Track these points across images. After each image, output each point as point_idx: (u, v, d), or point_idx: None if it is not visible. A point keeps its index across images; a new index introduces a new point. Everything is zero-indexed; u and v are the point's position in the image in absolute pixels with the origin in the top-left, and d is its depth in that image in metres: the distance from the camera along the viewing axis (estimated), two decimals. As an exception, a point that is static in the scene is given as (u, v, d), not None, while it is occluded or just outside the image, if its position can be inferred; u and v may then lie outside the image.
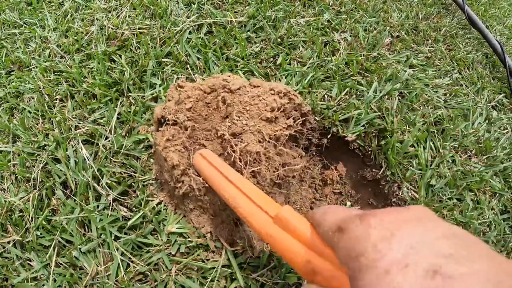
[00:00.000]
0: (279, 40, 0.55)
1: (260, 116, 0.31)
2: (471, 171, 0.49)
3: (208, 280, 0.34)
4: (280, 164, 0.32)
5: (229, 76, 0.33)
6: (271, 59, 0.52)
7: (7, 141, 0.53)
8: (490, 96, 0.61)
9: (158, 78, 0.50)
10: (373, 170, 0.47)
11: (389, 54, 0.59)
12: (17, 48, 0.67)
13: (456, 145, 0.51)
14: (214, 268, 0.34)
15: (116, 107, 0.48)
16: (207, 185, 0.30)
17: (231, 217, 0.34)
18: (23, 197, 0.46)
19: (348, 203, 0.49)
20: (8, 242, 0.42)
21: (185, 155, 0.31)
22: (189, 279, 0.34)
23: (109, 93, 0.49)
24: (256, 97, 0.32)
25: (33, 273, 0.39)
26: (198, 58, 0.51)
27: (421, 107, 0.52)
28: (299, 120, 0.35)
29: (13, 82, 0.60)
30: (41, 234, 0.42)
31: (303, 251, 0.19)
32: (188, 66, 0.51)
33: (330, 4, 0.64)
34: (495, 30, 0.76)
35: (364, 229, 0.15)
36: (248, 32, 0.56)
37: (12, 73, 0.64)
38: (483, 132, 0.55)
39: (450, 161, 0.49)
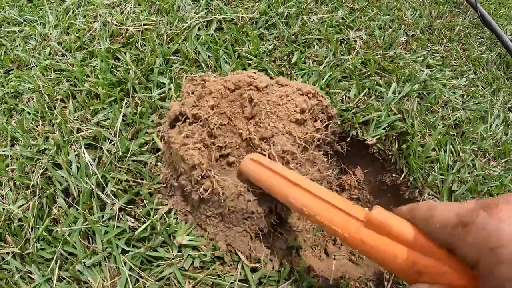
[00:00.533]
0: (293, 37, 0.51)
1: (290, 118, 0.28)
2: (491, 175, 0.46)
3: None
4: (310, 169, 0.29)
5: (254, 73, 0.30)
6: (285, 57, 0.49)
7: (5, 144, 0.49)
8: (506, 98, 0.59)
9: (166, 77, 0.46)
10: (393, 175, 0.44)
11: (406, 53, 0.56)
12: (17, 46, 0.63)
13: (475, 149, 0.49)
14: (230, 283, 0.31)
15: (121, 108, 0.44)
16: (233, 190, 0.27)
17: (253, 227, 0.30)
18: (22, 205, 0.42)
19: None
20: (7, 253, 0.39)
21: (205, 154, 0.27)
22: None
23: (114, 93, 0.46)
24: (285, 97, 0.28)
25: (34, 287, 0.35)
26: (209, 56, 0.48)
27: (440, 109, 0.49)
28: (326, 123, 0.31)
29: (11, 81, 0.56)
30: (41, 246, 0.38)
31: (405, 253, 0.18)
32: (198, 64, 0.47)
33: (343, 1, 0.60)
34: (506, 29, 0.74)
35: (495, 222, 0.15)
36: (260, 29, 0.52)
37: (10, 72, 0.59)
38: (501, 135, 0.52)
39: (471, 165, 0.46)
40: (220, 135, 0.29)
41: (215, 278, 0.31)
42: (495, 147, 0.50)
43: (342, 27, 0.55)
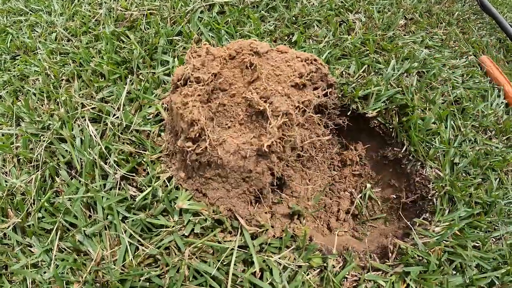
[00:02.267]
0: (293, 19, 0.54)
1: (289, 82, 0.30)
2: (493, 151, 0.48)
3: (225, 263, 0.32)
4: (308, 136, 0.31)
5: (255, 40, 0.32)
6: (286, 37, 0.52)
7: (10, 123, 0.51)
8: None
9: (169, 56, 0.49)
10: (395, 149, 0.45)
11: (404, 34, 0.58)
12: (23, 34, 0.66)
13: (476, 125, 0.50)
14: (231, 249, 0.32)
15: (125, 84, 0.46)
16: (231, 147, 0.28)
17: (252, 188, 0.32)
18: (25, 179, 0.43)
19: (368, 185, 0.48)
20: (8, 227, 0.40)
21: (204, 113, 0.29)
22: (204, 263, 0.32)
23: (118, 71, 0.48)
24: (284, 62, 0.31)
25: (33, 259, 0.37)
26: (211, 36, 0.51)
27: (440, 86, 0.51)
28: (326, 91, 0.33)
29: (18, 65, 0.59)
30: (43, 216, 0.39)
31: None
32: (200, 44, 0.50)
33: (342, -14, 0.64)
34: (505, 17, 0.76)
35: None
36: (262, 12, 0.55)
37: (17, 57, 0.63)
38: (502, 113, 0.54)
39: (473, 140, 0.47)
40: (221, 95, 0.30)
41: (216, 244, 0.32)
42: (496, 124, 0.51)
43: (341, 9, 0.58)
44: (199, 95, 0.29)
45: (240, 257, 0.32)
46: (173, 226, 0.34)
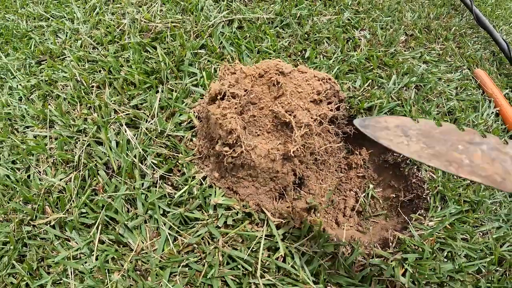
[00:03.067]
0: (305, 36, 0.65)
1: (309, 98, 0.40)
2: (481, 157, 0.58)
3: (254, 250, 0.41)
4: (323, 143, 0.41)
5: (279, 61, 0.42)
6: (299, 52, 0.62)
7: (41, 126, 0.60)
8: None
9: (196, 68, 0.58)
10: (394, 154, 0.56)
11: (405, 50, 0.69)
12: (46, 39, 0.75)
13: (467, 134, 0.61)
14: (259, 237, 0.41)
15: (157, 93, 0.56)
16: (261, 151, 0.38)
17: (278, 186, 0.42)
18: (63, 178, 0.51)
19: (371, 186, 0.58)
20: (46, 223, 0.47)
21: (239, 123, 0.39)
22: (235, 250, 0.41)
23: (149, 81, 0.58)
24: (305, 81, 0.41)
25: (74, 251, 0.43)
26: (232, 51, 0.60)
27: (435, 99, 0.62)
28: (337, 105, 0.44)
29: (45, 70, 0.68)
30: (86, 212, 0.46)
31: None
32: (223, 57, 0.60)
33: (349, 3, 0.75)
34: (501, 30, 0.88)
35: None
36: (277, 28, 0.65)
37: (42, 62, 0.71)
38: (492, 123, 0.65)
39: (463, 147, 0.58)
40: (252, 108, 0.40)
41: (245, 232, 0.42)
42: (486, 132, 0.62)
43: (348, 27, 0.69)
44: (235, 108, 0.39)
45: (265, 245, 0.42)
46: (207, 219, 0.43)
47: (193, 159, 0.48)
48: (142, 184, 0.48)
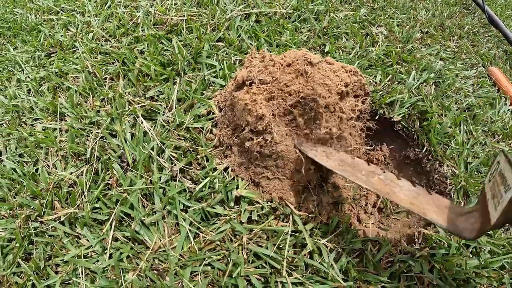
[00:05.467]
0: (324, 30, 0.64)
1: (336, 89, 0.39)
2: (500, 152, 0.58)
3: (280, 246, 0.39)
4: (351, 140, 0.39)
5: (307, 52, 0.41)
6: (318, 47, 0.61)
7: (51, 118, 0.57)
8: None
9: (214, 60, 0.57)
10: (416, 149, 0.55)
11: (421, 47, 0.69)
12: (56, 32, 0.73)
13: (485, 130, 0.60)
14: (285, 233, 0.39)
15: (174, 84, 0.54)
16: (289, 141, 0.36)
17: (304, 179, 0.40)
18: (74, 172, 0.48)
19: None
20: (55, 220, 0.43)
21: (269, 110, 0.37)
22: (260, 247, 0.38)
23: (166, 72, 0.56)
24: (332, 72, 0.39)
25: (85, 249, 0.40)
26: (251, 44, 0.59)
27: (454, 95, 0.61)
28: (364, 98, 0.42)
29: (55, 62, 0.65)
30: (99, 207, 0.43)
31: None
32: (241, 50, 0.58)
33: (365, 0, 0.74)
34: (511, 29, 0.89)
35: None
36: (295, 23, 0.64)
37: (52, 55, 0.69)
38: (508, 120, 0.64)
39: (483, 143, 0.57)
40: (280, 96, 0.39)
41: (273, 228, 0.39)
42: (503, 129, 0.62)
43: (365, 23, 0.68)
44: (264, 94, 0.37)
45: (291, 241, 0.40)
46: (230, 214, 0.41)
47: (213, 151, 0.46)
48: (160, 178, 0.45)
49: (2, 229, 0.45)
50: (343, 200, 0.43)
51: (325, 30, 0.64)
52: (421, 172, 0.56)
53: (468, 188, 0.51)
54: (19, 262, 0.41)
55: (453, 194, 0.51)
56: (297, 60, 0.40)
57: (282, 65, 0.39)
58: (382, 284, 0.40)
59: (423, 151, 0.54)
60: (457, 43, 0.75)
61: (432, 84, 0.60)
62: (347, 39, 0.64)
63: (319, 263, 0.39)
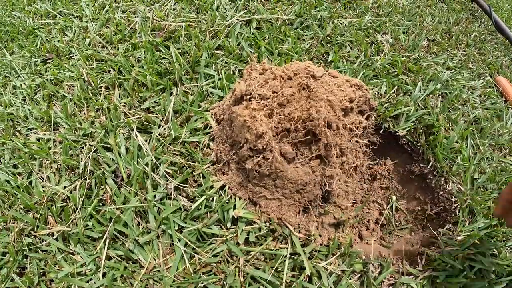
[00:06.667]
0: (327, 38, 0.61)
1: (340, 105, 0.36)
2: (507, 167, 0.55)
3: (278, 269, 0.37)
4: (356, 156, 0.37)
5: (310, 64, 0.38)
6: (321, 56, 0.58)
7: (45, 128, 0.55)
8: (519, 100, 0.69)
9: (212, 69, 0.54)
10: (421, 165, 0.52)
11: (428, 56, 0.66)
12: (52, 37, 0.71)
13: (492, 143, 0.58)
14: (283, 256, 0.37)
15: (171, 95, 0.51)
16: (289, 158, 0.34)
17: (303, 200, 0.38)
18: (67, 187, 0.46)
19: (394, 198, 0.54)
20: (48, 235, 0.41)
21: (269, 127, 0.35)
22: (257, 270, 0.36)
23: (162, 82, 0.53)
24: (336, 87, 0.37)
25: (79, 267, 0.38)
26: (252, 52, 0.56)
27: (461, 107, 0.58)
28: (369, 113, 0.40)
29: (51, 69, 0.63)
30: (92, 225, 0.41)
31: None
32: (241, 59, 0.56)
33: (369, 6, 0.71)
34: (518, 37, 0.85)
35: None
36: (297, 30, 0.61)
37: (48, 61, 0.67)
38: (516, 133, 0.61)
39: (490, 158, 0.55)
40: (281, 112, 0.36)
41: (270, 251, 0.37)
42: (510, 142, 0.59)
43: (370, 30, 0.65)
44: (264, 110, 0.35)
45: (290, 264, 0.38)
46: (227, 235, 0.39)
47: (210, 167, 0.44)
48: (154, 196, 0.43)
49: None
50: (344, 221, 0.41)
51: (329, 38, 0.61)
52: (425, 188, 0.53)
53: (474, 206, 0.48)
54: (13, 277, 0.39)
55: (458, 212, 0.48)
56: (299, 73, 0.37)
57: (283, 78, 0.37)
58: (384, 309, 0.38)
59: (428, 167, 0.52)
60: (464, 51, 0.72)
61: (439, 95, 0.58)
62: (351, 48, 0.61)
63: (317, 287, 0.37)
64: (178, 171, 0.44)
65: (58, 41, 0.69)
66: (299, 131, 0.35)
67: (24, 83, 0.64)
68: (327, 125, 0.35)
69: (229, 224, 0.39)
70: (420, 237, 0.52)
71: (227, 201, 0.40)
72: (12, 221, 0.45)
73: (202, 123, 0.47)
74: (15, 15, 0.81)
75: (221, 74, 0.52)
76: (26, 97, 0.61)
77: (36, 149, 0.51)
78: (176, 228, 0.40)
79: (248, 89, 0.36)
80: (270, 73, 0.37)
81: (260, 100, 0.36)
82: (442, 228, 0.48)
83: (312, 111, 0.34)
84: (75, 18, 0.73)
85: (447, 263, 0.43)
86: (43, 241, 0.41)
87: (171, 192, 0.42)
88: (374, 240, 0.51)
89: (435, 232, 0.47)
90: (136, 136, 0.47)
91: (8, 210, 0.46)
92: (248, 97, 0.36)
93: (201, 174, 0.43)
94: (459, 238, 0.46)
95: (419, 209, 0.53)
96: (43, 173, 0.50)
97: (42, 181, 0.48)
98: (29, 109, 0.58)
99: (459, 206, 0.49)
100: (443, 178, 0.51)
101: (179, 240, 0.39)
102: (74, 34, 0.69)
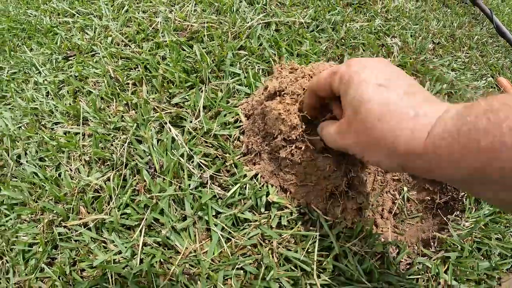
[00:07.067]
0: (342, 41, 0.67)
1: None
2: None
3: (309, 250, 0.42)
4: None
5: (333, 64, 0.44)
6: (337, 57, 0.64)
7: (71, 122, 0.59)
8: (517, 99, 0.77)
9: (237, 68, 0.60)
10: (430, 157, 0.59)
11: (434, 58, 0.73)
12: (72, 35, 0.75)
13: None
14: (313, 237, 0.42)
15: (200, 91, 0.56)
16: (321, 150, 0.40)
17: (330, 186, 0.43)
18: (100, 177, 0.49)
19: (405, 188, 0.60)
20: (80, 225, 0.45)
21: (301, 119, 0.40)
22: (289, 251, 0.41)
23: (191, 79, 0.58)
24: None
25: (115, 254, 0.41)
26: (274, 54, 0.62)
27: (465, 105, 0.65)
28: None
29: (73, 66, 0.67)
30: (130, 213, 0.45)
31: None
32: (263, 59, 0.61)
33: (379, 11, 0.78)
34: (516, 41, 0.94)
35: (348, 68, 0.31)
36: (313, 32, 0.68)
37: (70, 58, 0.71)
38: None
39: (493, 152, 0.62)
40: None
41: (300, 232, 0.43)
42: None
43: (380, 34, 0.72)
44: (296, 104, 0.41)
45: (320, 244, 0.43)
46: (261, 220, 0.44)
47: (240, 158, 0.49)
48: (189, 184, 0.47)
49: (24, 233, 0.46)
50: (366, 206, 0.47)
51: (343, 41, 0.68)
52: (434, 180, 0.59)
53: (479, 195, 0.55)
54: (42, 267, 0.42)
55: (466, 201, 0.55)
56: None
57: (311, 77, 0.43)
58: (402, 284, 0.43)
59: (437, 159, 0.58)
60: (467, 53, 0.79)
61: (445, 94, 0.64)
62: (363, 50, 0.67)
63: (345, 265, 0.42)
64: (211, 162, 0.49)
65: (79, 39, 0.73)
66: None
67: (46, 79, 0.68)
68: None
69: (262, 210, 0.44)
70: (430, 224, 0.58)
71: (260, 189, 0.45)
72: (41, 212, 0.48)
73: (232, 117, 0.52)
74: (31, 14, 0.85)
75: (247, 72, 0.58)
76: (50, 93, 0.64)
77: (64, 142, 0.55)
78: (213, 214, 0.44)
79: (281, 85, 0.42)
80: (300, 72, 0.43)
81: (292, 96, 0.41)
82: (451, 215, 0.54)
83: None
84: (94, 17, 0.77)
85: (457, 245, 0.49)
86: (73, 232, 0.43)
87: (207, 180, 0.47)
88: (388, 228, 0.57)
89: (445, 218, 0.53)
90: (170, 130, 0.52)
91: (36, 202, 0.49)
92: (282, 92, 0.42)
93: (233, 164, 0.48)
94: (466, 223, 0.52)
95: (429, 198, 0.59)
96: (71, 165, 0.53)
97: (71, 172, 0.52)
98: (53, 104, 0.62)
99: (465, 195, 0.55)
100: (451, 170, 0.57)
101: (216, 225, 0.43)
102: (95, 32, 0.74)
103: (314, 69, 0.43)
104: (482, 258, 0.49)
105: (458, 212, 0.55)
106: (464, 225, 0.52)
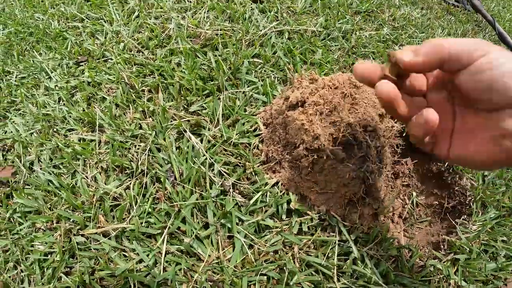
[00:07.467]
0: (353, 49, 0.71)
1: (377, 112, 0.46)
2: None
3: (329, 255, 0.45)
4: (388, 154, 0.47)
5: (351, 76, 0.48)
6: (349, 66, 0.68)
7: (86, 129, 0.61)
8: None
9: (253, 76, 0.63)
10: (438, 163, 0.63)
11: (440, 66, 0.78)
12: (83, 40, 0.76)
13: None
14: (333, 242, 0.46)
15: (219, 99, 0.59)
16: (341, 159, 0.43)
17: (348, 193, 0.47)
18: (119, 186, 0.51)
19: (414, 193, 0.64)
20: (99, 233, 0.46)
21: (323, 130, 0.44)
22: (310, 256, 0.44)
23: (208, 87, 0.61)
24: (374, 95, 0.46)
25: (137, 263, 0.42)
26: (288, 62, 0.66)
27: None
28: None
29: (85, 72, 0.69)
30: (153, 222, 0.46)
31: None
32: (278, 67, 0.65)
33: (386, 19, 0.82)
34: (515, 48, 1.00)
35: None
36: (325, 41, 0.71)
37: (81, 63, 0.73)
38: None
39: (497, 158, 0.66)
40: (328, 117, 0.45)
41: (321, 237, 0.46)
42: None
43: (389, 42, 0.76)
44: (317, 115, 0.44)
45: (338, 250, 0.46)
46: (282, 227, 0.46)
47: (262, 166, 0.52)
48: (210, 193, 0.49)
49: (40, 242, 0.47)
50: (381, 211, 0.51)
51: (354, 49, 0.72)
52: (442, 185, 0.64)
53: (485, 199, 0.59)
54: (60, 276, 0.43)
55: (472, 205, 0.59)
56: (343, 84, 0.46)
57: (331, 88, 0.46)
58: (416, 286, 0.47)
59: (445, 165, 0.62)
60: (470, 61, 0.85)
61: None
62: (373, 58, 0.71)
63: (362, 268, 0.46)
64: (232, 170, 0.52)
65: (90, 44, 0.75)
66: (345, 136, 0.44)
67: (57, 85, 0.69)
68: (365, 128, 0.44)
69: (283, 217, 0.47)
70: (439, 228, 0.62)
71: (281, 196, 0.49)
72: (56, 220, 0.48)
73: (251, 126, 0.55)
74: (38, 17, 0.86)
75: (263, 81, 0.61)
76: (62, 98, 0.66)
77: (80, 149, 0.56)
78: (237, 222, 0.47)
79: (303, 96, 0.45)
80: (320, 83, 0.46)
81: (314, 106, 0.44)
82: (458, 219, 0.59)
83: (354, 118, 0.43)
84: (105, 22, 0.79)
85: (465, 247, 0.53)
86: (91, 241, 0.44)
87: (229, 188, 0.49)
88: (398, 232, 0.61)
89: (453, 222, 0.58)
90: (190, 138, 0.54)
91: (51, 210, 0.51)
92: (304, 103, 0.45)
93: (253, 172, 0.51)
94: (474, 227, 0.57)
95: (437, 203, 0.63)
96: (87, 172, 0.55)
97: (88, 180, 0.53)
98: (66, 110, 0.64)
99: (472, 200, 0.59)
100: (458, 175, 0.62)
101: (239, 232, 0.46)
102: (106, 37, 0.75)
103: (333, 80, 0.47)
104: (489, 260, 0.53)
105: (465, 216, 0.59)
106: (471, 228, 0.56)
